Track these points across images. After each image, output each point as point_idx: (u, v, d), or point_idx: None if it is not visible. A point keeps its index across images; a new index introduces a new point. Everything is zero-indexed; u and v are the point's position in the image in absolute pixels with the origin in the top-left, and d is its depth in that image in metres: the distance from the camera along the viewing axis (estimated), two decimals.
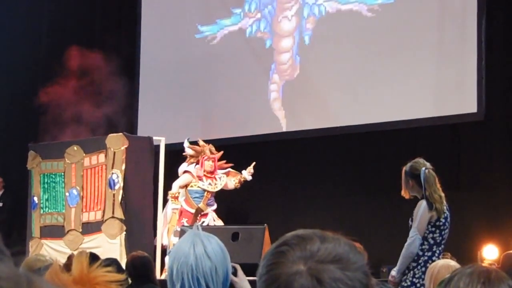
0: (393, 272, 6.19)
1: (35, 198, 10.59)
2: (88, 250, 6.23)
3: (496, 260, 8.94)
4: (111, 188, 9.75)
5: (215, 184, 10.02)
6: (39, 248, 10.22)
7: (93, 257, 2.70)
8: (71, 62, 11.45)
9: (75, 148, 10.21)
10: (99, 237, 9.77)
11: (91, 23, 13.48)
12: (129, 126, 12.11)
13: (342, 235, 1.47)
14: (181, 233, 2.64)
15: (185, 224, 9.53)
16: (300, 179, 11.40)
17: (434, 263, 4.83)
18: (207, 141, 10.39)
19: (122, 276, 1.97)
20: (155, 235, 9.91)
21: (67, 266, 2.05)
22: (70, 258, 7.92)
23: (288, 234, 1.46)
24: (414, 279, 6.03)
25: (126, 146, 9.78)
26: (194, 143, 10.30)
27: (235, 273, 3.14)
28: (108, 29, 13.09)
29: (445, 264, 4.62)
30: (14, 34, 13.47)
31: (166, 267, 8.94)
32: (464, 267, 2.25)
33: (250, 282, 3.24)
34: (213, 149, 10.14)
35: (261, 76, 11.89)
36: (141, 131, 12.38)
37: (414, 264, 6.08)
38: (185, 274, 2.67)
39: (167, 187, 10.22)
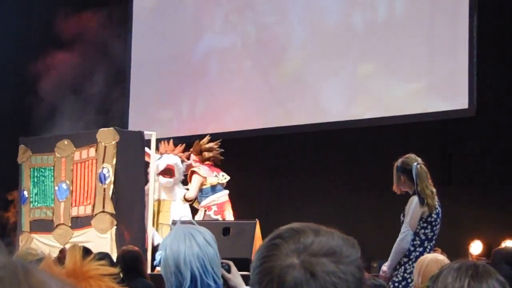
0: (384, 267, 6.21)
1: (25, 192, 10.56)
2: (79, 244, 6.23)
3: (479, 255, 8.98)
4: (101, 182, 9.73)
5: (222, 175, 9.98)
6: (28, 242, 10.20)
7: (86, 251, 2.70)
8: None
9: (66, 142, 10.18)
10: (89, 232, 9.75)
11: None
12: (120, 120, 12.09)
13: (336, 229, 1.47)
14: (170, 229, 2.68)
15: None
16: (291, 174, 11.42)
17: (422, 258, 4.85)
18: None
19: (115, 270, 1.97)
20: (146, 230, 9.89)
21: (60, 259, 2.05)
22: (62, 251, 7.93)
23: (282, 227, 1.46)
24: (405, 275, 6.04)
25: (117, 140, 9.76)
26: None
27: (228, 270, 3.17)
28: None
29: (434, 258, 4.63)
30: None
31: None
32: (452, 262, 2.27)
33: (242, 276, 3.25)
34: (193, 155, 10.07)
35: (252, 70, 11.88)
36: (132, 126, 12.36)
37: (406, 260, 6.09)
38: (193, 263, 2.76)
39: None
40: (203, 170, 9.85)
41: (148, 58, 12.92)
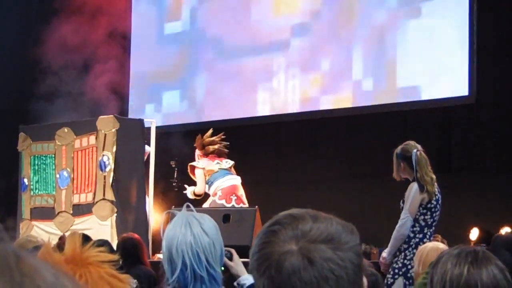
0: (384, 254, 6.22)
1: (25, 180, 10.57)
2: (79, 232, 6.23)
3: (479, 242, 8.99)
4: (101, 170, 9.74)
5: (226, 161, 9.94)
6: (29, 230, 10.22)
7: (86, 238, 2.70)
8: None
9: (66, 130, 10.18)
10: (90, 219, 9.77)
11: None
12: (120, 108, 12.08)
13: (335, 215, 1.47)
14: (171, 216, 2.66)
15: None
16: (291, 162, 11.42)
17: (422, 246, 4.85)
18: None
19: (114, 256, 1.98)
20: (146, 217, 9.90)
21: (59, 246, 2.06)
22: (62, 238, 7.95)
23: (281, 213, 1.46)
24: (405, 261, 6.05)
25: (117, 128, 9.76)
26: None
27: (230, 258, 3.17)
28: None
29: (434, 246, 4.63)
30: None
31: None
32: (451, 248, 2.27)
33: (242, 263, 3.25)
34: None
35: (252, 58, 11.86)
36: (132, 113, 12.36)
37: (405, 246, 6.10)
38: (185, 252, 2.72)
39: (158, 169, 10.19)
40: (201, 162, 9.82)
41: (149, 46, 12.90)
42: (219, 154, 9.91)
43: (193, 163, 9.86)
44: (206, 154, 9.86)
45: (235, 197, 9.62)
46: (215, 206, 9.51)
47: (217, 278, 2.78)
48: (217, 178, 9.70)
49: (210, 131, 9.99)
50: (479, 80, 9.96)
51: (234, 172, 9.85)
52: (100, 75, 11.50)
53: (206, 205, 9.57)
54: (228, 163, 9.81)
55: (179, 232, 2.75)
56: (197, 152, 9.96)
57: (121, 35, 12.38)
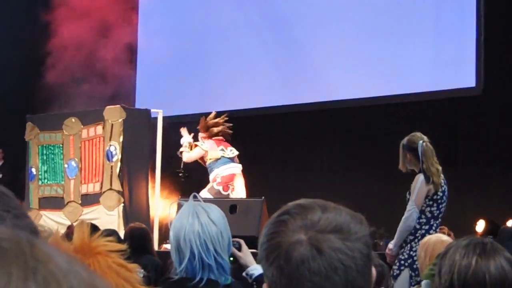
0: (390, 245, 6.21)
1: (33, 170, 10.59)
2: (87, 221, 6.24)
3: (485, 234, 8.99)
4: (109, 160, 9.76)
5: (230, 150, 9.94)
6: (37, 219, 10.24)
7: (94, 228, 2.70)
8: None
9: (73, 120, 10.20)
10: (97, 209, 9.80)
11: None
12: (127, 98, 12.08)
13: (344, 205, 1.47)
14: (178, 206, 2.66)
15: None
16: (298, 153, 11.42)
17: (426, 239, 4.82)
18: (204, 114, 10.36)
19: (123, 246, 1.98)
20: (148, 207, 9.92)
21: (67, 235, 2.06)
22: (70, 227, 7.97)
23: (290, 203, 1.46)
24: (411, 252, 6.04)
25: (123, 118, 9.77)
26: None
27: (239, 248, 3.17)
28: None
29: (438, 239, 4.62)
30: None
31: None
32: (459, 239, 2.26)
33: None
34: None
35: (259, 48, 11.85)
36: (139, 103, 12.37)
37: (412, 238, 6.09)
38: (193, 241, 2.72)
39: (165, 159, 10.21)
40: (206, 144, 9.83)
41: (156, 36, 12.89)
42: (224, 136, 9.89)
43: (197, 143, 9.86)
44: (210, 136, 9.85)
45: (232, 186, 9.67)
46: (213, 192, 9.54)
47: (225, 267, 2.79)
48: (218, 165, 9.72)
49: (214, 113, 9.98)
50: (486, 71, 9.93)
51: (238, 161, 9.87)
52: (107, 64, 11.50)
53: (205, 190, 9.60)
54: (232, 152, 9.82)
55: (186, 222, 2.76)
56: (201, 135, 9.94)
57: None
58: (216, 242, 2.76)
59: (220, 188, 9.63)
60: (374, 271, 1.44)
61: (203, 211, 2.78)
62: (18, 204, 1.07)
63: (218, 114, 10.15)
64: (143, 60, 13.01)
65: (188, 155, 9.88)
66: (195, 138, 10.00)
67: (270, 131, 11.72)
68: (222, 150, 9.80)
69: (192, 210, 2.79)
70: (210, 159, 9.76)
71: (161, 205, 9.96)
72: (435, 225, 6.14)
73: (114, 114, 9.81)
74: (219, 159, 9.74)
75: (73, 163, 10.16)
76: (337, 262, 1.36)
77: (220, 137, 9.91)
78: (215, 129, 9.85)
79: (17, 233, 0.65)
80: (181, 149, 9.92)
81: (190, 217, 2.76)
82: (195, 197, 2.88)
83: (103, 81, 11.38)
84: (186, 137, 9.95)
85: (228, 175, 9.72)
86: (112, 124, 9.79)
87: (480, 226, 9.56)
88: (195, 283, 2.73)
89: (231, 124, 9.95)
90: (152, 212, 9.86)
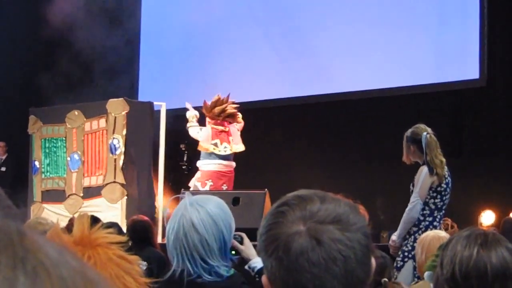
0: (394, 237, 6.21)
1: (36, 163, 10.60)
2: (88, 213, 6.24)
3: (492, 225, 8.98)
4: (112, 153, 9.76)
5: (224, 147, 9.75)
6: (40, 212, 10.26)
7: (94, 220, 2.70)
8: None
9: (76, 113, 10.20)
10: (98, 201, 9.81)
11: None
12: (130, 91, 12.08)
13: (343, 197, 1.47)
14: (181, 199, 2.62)
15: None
16: (302, 144, 11.41)
17: (423, 236, 4.81)
18: None
19: (123, 238, 1.97)
20: (154, 199, 9.93)
21: (68, 228, 2.06)
22: (71, 220, 7.97)
23: (289, 194, 1.46)
24: (415, 244, 6.03)
25: (126, 111, 9.77)
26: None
27: (241, 241, 3.16)
28: None
29: (436, 236, 4.61)
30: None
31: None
32: (461, 230, 2.26)
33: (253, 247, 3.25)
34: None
35: (263, 40, 11.83)
36: (142, 96, 12.36)
37: (415, 229, 6.09)
38: (177, 249, 2.68)
39: (168, 152, 10.20)
40: (204, 131, 9.68)
41: (158, 29, 12.88)
42: (229, 117, 9.67)
43: (196, 136, 9.67)
44: (213, 117, 9.61)
45: (211, 183, 9.43)
46: (193, 186, 9.43)
47: (226, 259, 2.76)
48: (203, 159, 9.58)
49: (217, 96, 9.71)
50: (490, 62, 9.91)
51: (232, 158, 9.65)
52: (110, 56, 11.50)
53: (191, 183, 9.50)
54: (226, 150, 9.58)
55: (174, 226, 2.70)
56: (207, 120, 9.75)
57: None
58: (201, 251, 2.67)
59: (199, 184, 9.46)
60: (373, 261, 1.43)
61: (188, 216, 2.68)
62: (4, 195, 1.06)
63: None
64: (146, 52, 13.00)
65: (194, 133, 9.69)
66: (201, 123, 9.79)
67: (274, 124, 11.70)
68: (215, 145, 9.58)
69: (181, 213, 2.72)
70: (201, 148, 9.57)
71: (164, 198, 9.97)
72: (438, 216, 6.13)
73: (117, 107, 9.81)
74: (208, 153, 9.57)
75: (75, 156, 10.17)
76: (336, 252, 1.36)
77: (229, 119, 9.66)
78: (219, 108, 9.54)
79: (6, 223, 0.64)
80: (188, 124, 9.75)
81: (178, 221, 2.71)
82: (191, 193, 2.82)
83: (106, 74, 11.38)
84: (191, 111, 9.81)
85: (208, 171, 9.53)
86: (115, 117, 9.79)
87: (487, 217, 9.54)
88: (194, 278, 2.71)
89: (236, 104, 9.72)
90: (156, 205, 9.86)
